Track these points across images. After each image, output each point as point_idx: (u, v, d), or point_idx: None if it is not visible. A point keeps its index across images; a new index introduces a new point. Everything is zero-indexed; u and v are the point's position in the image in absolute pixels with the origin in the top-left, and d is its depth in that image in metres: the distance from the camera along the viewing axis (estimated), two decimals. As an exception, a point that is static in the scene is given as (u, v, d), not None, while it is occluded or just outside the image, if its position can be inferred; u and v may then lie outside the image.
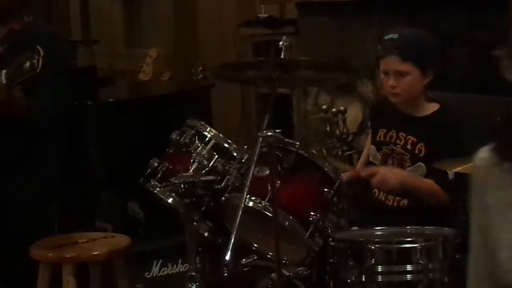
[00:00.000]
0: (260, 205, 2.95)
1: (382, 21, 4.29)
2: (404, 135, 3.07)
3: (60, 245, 3.25)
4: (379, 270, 2.67)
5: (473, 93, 3.74)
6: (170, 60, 6.46)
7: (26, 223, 3.39)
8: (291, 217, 2.94)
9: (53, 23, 6.97)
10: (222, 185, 3.20)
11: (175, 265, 3.75)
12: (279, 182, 2.93)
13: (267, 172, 2.90)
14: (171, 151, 3.44)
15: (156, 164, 3.40)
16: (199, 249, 3.23)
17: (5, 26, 3.45)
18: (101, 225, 4.12)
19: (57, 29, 4.95)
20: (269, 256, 3.16)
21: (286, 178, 3.02)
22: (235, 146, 3.36)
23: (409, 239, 2.71)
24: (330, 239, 2.82)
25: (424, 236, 2.73)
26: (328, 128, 4.52)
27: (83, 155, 3.95)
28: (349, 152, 4.34)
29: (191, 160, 3.33)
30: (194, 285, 3.19)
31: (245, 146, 3.35)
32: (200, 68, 5.65)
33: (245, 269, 3.34)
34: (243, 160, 3.21)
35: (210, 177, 3.22)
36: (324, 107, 4.64)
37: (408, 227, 2.83)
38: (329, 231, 2.98)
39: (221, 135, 3.40)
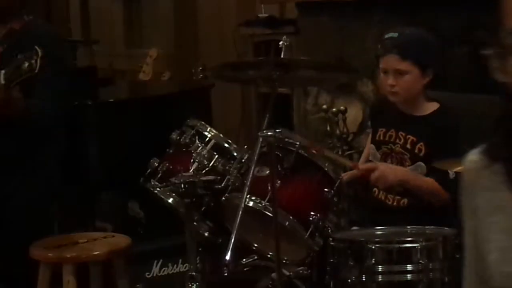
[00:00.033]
0: (260, 205, 2.96)
1: (382, 21, 4.29)
2: (403, 134, 3.07)
3: (60, 245, 3.25)
4: (380, 270, 2.66)
5: (473, 93, 3.74)
6: (170, 60, 6.46)
7: (25, 223, 3.39)
8: (291, 217, 2.95)
9: (53, 23, 6.96)
10: (222, 185, 3.21)
11: (175, 265, 3.75)
12: (279, 182, 2.93)
13: (267, 172, 2.90)
14: (171, 151, 3.44)
15: (156, 164, 3.40)
16: (200, 249, 3.23)
17: (5, 26, 3.45)
18: (101, 225, 4.12)
19: (57, 29, 4.95)
20: (269, 256, 3.16)
21: (286, 178, 3.02)
22: (235, 146, 3.37)
23: (410, 238, 2.71)
24: (330, 239, 2.82)
25: (425, 235, 2.73)
26: (328, 128, 4.52)
27: (83, 155, 3.95)
28: (349, 152, 4.34)
29: (191, 160, 3.33)
30: (195, 285, 3.19)
31: (245, 146, 3.35)
32: (200, 68, 5.65)
33: (245, 269, 3.35)
34: (243, 160, 3.22)
35: (210, 177, 3.22)
36: (324, 107, 4.64)
37: (408, 227, 2.83)
38: (329, 231, 2.98)
39: (221, 135, 3.40)
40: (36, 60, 2.93)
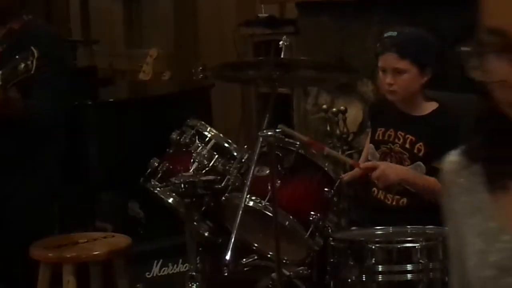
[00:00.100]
0: (260, 204, 2.95)
1: (382, 21, 4.29)
2: (402, 134, 3.06)
3: (60, 245, 3.25)
4: (380, 269, 2.66)
5: (473, 93, 3.73)
6: (170, 60, 6.46)
7: (25, 223, 3.39)
8: (291, 217, 2.94)
9: (53, 23, 6.96)
10: (222, 185, 3.20)
11: (175, 265, 3.75)
12: (279, 181, 2.93)
13: (267, 171, 2.90)
14: (171, 151, 3.44)
15: (156, 164, 3.40)
16: (200, 249, 3.24)
17: (4, 26, 3.45)
18: (101, 225, 4.12)
19: (57, 29, 4.95)
20: (269, 256, 3.16)
21: (286, 177, 3.02)
22: (235, 146, 3.37)
23: (410, 238, 2.71)
24: (331, 238, 2.82)
25: (425, 235, 2.73)
26: (328, 128, 4.52)
27: (83, 155, 3.95)
28: (349, 152, 4.33)
29: (191, 160, 3.33)
30: (195, 285, 3.19)
31: (245, 146, 3.35)
32: (200, 68, 5.65)
33: (245, 269, 3.35)
34: (243, 160, 3.22)
35: (210, 177, 3.22)
36: (324, 106, 4.64)
37: (408, 227, 2.83)
38: (330, 230, 2.98)
39: (221, 135, 3.40)
40: (32, 61, 2.93)
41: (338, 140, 4.42)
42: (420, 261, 2.63)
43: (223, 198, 3.13)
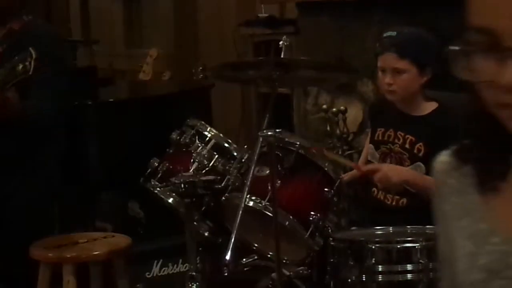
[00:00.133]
0: (260, 204, 2.95)
1: (382, 21, 4.29)
2: (402, 134, 3.06)
3: (60, 245, 3.25)
4: (380, 269, 2.66)
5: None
6: (170, 60, 6.46)
7: (25, 223, 3.39)
8: (291, 217, 2.94)
9: (53, 23, 6.97)
10: (222, 185, 3.20)
11: (175, 265, 3.75)
12: (279, 181, 2.93)
13: (267, 171, 2.90)
14: (171, 151, 3.44)
15: (156, 164, 3.40)
16: (200, 249, 3.23)
17: (4, 27, 3.45)
18: (101, 225, 4.12)
19: (57, 29, 4.96)
20: (269, 256, 3.16)
21: (286, 177, 3.02)
22: (235, 146, 3.37)
23: (410, 238, 2.71)
24: (331, 238, 2.82)
25: (425, 235, 2.73)
26: (328, 128, 4.52)
27: (83, 155, 3.95)
28: (349, 152, 4.33)
29: (191, 160, 3.33)
30: (195, 285, 3.19)
31: (245, 146, 3.35)
32: (200, 68, 5.65)
33: (245, 269, 3.35)
34: (243, 160, 3.22)
35: (210, 177, 3.22)
36: (324, 106, 4.64)
37: (408, 227, 2.83)
38: (330, 230, 2.98)
39: (221, 135, 3.40)
40: (30, 62, 2.93)
41: (338, 140, 4.42)
42: (420, 261, 2.63)
43: (223, 198, 3.13)
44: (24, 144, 3.39)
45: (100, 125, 4.03)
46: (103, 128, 4.02)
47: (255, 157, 2.75)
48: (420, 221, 2.84)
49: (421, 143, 3.01)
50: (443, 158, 1.17)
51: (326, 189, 3.03)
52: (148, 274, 3.71)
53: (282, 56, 3.14)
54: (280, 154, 3.01)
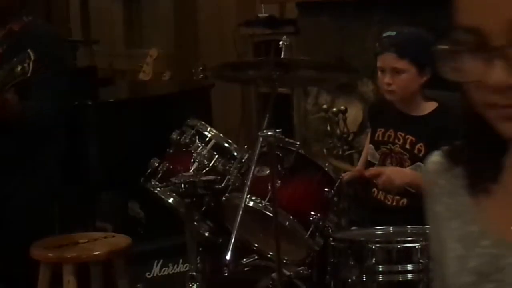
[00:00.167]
0: (260, 205, 2.95)
1: (382, 21, 4.29)
2: (402, 134, 3.06)
3: (60, 245, 3.25)
4: (380, 269, 2.66)
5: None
6: (170, 60, 6.46)
7: (25, 223, 3.39)
8: (291, 217, 2.94)
9: (53, 23, 6.96)
10: (223, 185, 3.20)
11: (175, 265, 3.75)
12: (279, 182, 2.93)
13: (268, 171, 2.90)
14: (171, 151, 3.44)
15: (157, 164, 3.40)
16: (200, 249, 3.23)
17: (4, 27, 3.45)
18: (101, 225, 4.11)
19: (57, 29, 4.95)
20: (269, 256, 3.16)
21: (287, 177, 3.02)
22: (235, 146, 3.36)
23: (410, 238, 2.71)
24: (331, 238, 2.82)
25: (425, 235, 2.72)
26: (328, 128, 4.52)
27: (83, 155, 3.95)
28: (349, 152, 4.33)
29: (192, 160, 3.33)
30: (195, 285, 3.19)
31: (246, 146, 3.35)
32: (200, 68, 5.65)
33: (245, 269, 3.35)
34: (243, 160, 3.21)
35: (210, 177, 3.22)
36: (324, 106, 4.64)
37: (408, 227, 2.83)
38: (330, 230, 2.98)
39: (221, 135, 3.40)
40: (28, 64, 2.93)
41: (338, 140, 4.42)
42: (421, 261, 2.63)
43: (223, 198, 3.13)
44: (24, 144, 3.40)
45: (100, 125, 4.03)
46: (103, 128, 4.02)
47: (255, 157, 2.75)
48: (421, 221, 2.83)
49: (421, 144, 3.01)
50: (435, 158, 1.16)
51: (326, 189, 3.03)
52: (149, 274, 3.71)
53: (282, 56, 3.14)
54: (280, 154, 3.01)
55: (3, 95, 3.11)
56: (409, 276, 2.65)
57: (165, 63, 6.35)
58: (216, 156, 3.31)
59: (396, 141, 3.07)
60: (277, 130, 2.77)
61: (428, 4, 4.06)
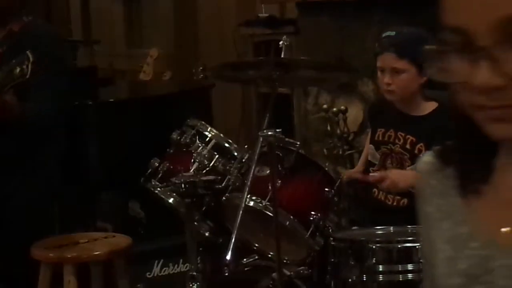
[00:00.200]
0: (260, 204, 2.96)
1: (382, 21, 4.29)
2: (403, 134, 3.06)
3: (61, 245, 3.26)
4: (380, 269, 2.66)
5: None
6: (170, 60, 6.46)
7: (26, 223, 3.39)
8: (291, 217, 2.95)
9: (53, 23, 6.97)
10: (223, 185, 3.20)
11: (176, 265, 3.75)
12: (279, 181, 2.93)
13: (268, 171, 2.90)
14: (171, 151, 3.44)
15: (157, 164, 3.40)
16: (200, 249, 3.23)
17: (4, 28, 3.45)
18: (101, 225, 4.12)
19: (57, 29, 4.95)
20: (270, 255, 3.16)
21: (287, 177, 3.02)
22: (235, 146, 3.37)
23: (410, 238, 2.71)
24: (331, 238, 2.82)
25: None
26: (328, 128, 4.52)
27: (83, 155, 3.95)
28: (349, 152, 4.33)
29: (192, 160, 3.33)
30: (195, 285, 3.19)
31: (246, 146, 3.35)
32: (201, 68, 5.65)
33: (246, 269, 3.35)
34: (243, 160, 3.22)
35: (210, 177, 3.22)
36: (324, 106, 4.63)
37: (409, 226, 2.83)
38: (330, 230, 2.98)
39: (221, 135, 3.40)
40: (27, 66, 2.93)
41: (338, 140, 4.42)
42: (421, 261, 2.63)
43: (224, 198, 3.13)
44: (24, 144, 3.40)
45: (100, 125, 4.03)
46: (103, 128, 4.02)
47: (256, 157, 2.75)
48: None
49: (421, 144, 3.01)
50: (427, 158, 1.15)
51: (326, 189, 3.04)
52: (149, 274, 3.71)
53: (282, 56, 3.14)
54: (280, 154, 3.01)
55: (2, 97, 3.11)
56: (410, 276, 2.65)
57: (165, 63, 6.35)
58: (217, 156, 3.31)
59: (397, 141, 3.07)
60: (277, 130, 2.77)
61: (428, 4, 4.05)
